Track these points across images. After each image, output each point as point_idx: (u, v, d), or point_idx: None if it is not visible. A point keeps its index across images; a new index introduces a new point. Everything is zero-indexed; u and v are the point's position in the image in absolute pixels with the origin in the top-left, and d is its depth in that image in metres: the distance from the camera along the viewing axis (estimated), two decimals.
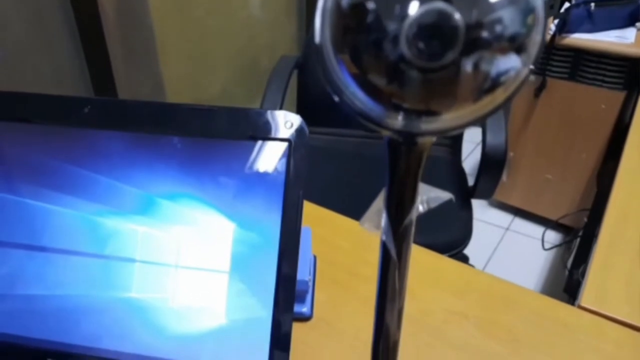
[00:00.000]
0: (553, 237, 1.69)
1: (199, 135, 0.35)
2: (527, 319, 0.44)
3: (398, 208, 0.17)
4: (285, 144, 0.34)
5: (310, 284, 0.46)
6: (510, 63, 0.14)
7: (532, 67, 0.14)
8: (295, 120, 0.34)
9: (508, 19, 0.13)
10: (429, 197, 0.18)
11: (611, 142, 1.41)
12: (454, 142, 1.24)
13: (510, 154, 1.63)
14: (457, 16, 0.13)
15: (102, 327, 0.35)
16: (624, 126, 1.29)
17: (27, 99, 0.37)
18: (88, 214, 0.36)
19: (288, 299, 0.33)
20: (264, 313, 0.34)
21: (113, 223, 0.35)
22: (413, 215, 0.17)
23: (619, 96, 1.35)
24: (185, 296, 0.35)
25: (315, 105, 1.31)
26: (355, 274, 0.49)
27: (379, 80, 0.14)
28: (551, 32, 1.37)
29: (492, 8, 0.13)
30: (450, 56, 0.13)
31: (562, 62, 1.40)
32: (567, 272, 1.46)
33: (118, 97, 1.18)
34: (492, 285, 0.48)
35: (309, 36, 1.44)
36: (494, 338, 0.42)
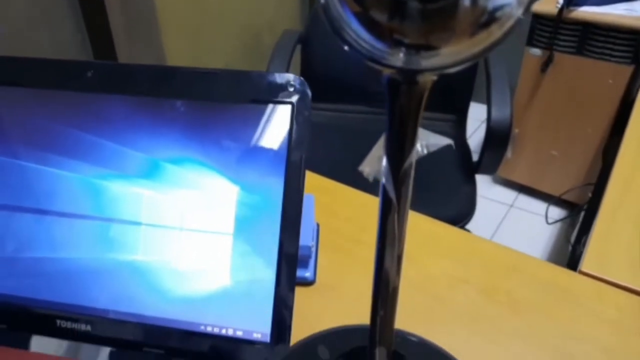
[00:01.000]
0: (557, 213, 1.69)
1: (201, 99, 0.35)
2: (528, 284, 0.45)
3: (398, 151, 0.17)
4: (288, 107, 0.34)
5: (314, 249, 0.47)
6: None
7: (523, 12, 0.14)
8: (297, 82, 0.34)
9: None
10: (428, 141, 0.18)
11: (618, 117, 1.40)
12: (459, 117, 1.24)
13: (515, 130, 1.62)
14: None
15: (108, 289, 0.36)
16: (631, 100, 1.28)
17: (30, 64, 0.37)
18: (92, 177, 0.36)
19: (291, 258, 0.34)
20: (268, 275, 0.34)
21: (117, 187, 0.36)
22: (413, 159, 0.17)
23: (627, 70, 1.34)
24: (190, 258, 0.35)
25: (319, 80, 1.31)
26: (357, 241, 0.49)
27: (380, 16, 0.14)
28: (558, 6, 1.35)
29: None
30: None
31: (569, 36, 1.38)
32: (570, 247, 1.47)
33: None
34: (494, 252, 0.48)
35: (312, 10, 1.42)
36: (495, 302, 0.43)
